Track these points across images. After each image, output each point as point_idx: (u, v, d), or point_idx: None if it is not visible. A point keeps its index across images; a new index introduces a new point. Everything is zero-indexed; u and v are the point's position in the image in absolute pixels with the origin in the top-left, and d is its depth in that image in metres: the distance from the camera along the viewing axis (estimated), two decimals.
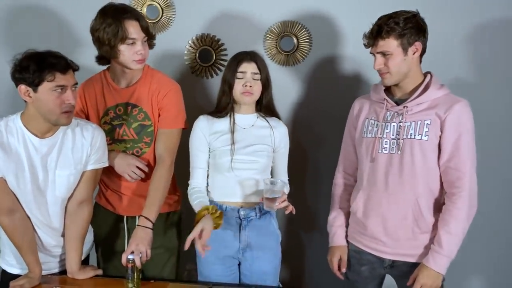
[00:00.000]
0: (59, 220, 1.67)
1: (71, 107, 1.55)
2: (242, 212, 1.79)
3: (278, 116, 1.89)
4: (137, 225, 1.71)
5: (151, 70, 1.88)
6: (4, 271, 1.73)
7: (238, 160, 1.77)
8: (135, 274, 1.61)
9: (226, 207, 1.79)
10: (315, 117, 2.36)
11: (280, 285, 1.89)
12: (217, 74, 2.37)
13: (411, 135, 1.62)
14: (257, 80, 1.78)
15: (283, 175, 1.87)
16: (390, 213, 1.66)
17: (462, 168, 1.57)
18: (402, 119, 1.64)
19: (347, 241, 1.82)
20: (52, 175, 1.61)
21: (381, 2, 2.21)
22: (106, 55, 1.75)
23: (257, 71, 1.77)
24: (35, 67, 1.47)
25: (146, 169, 1.80)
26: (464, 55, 2.21)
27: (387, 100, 1.69)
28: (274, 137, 1.82)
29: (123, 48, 1.71)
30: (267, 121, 1.84)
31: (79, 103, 1.84)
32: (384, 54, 1.62)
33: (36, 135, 1.58)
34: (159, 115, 1.82)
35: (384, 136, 1.67)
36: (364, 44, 1.68)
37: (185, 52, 2.36)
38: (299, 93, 2.36)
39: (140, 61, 1.75)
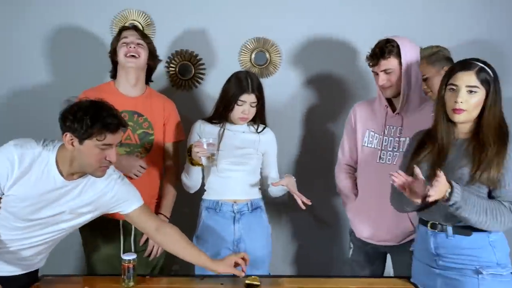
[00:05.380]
0: (34, 253, 1.64)
1: (109, 164, 1.57)
2: (235, 207, 1.99)
3: (265, 124, 2.10)
4: None
5: (152, 89, 2.17)
6: None
7: (229, 162, 1.98)
8: (134, 273, 1.69)
9: (221, 203, 2.00)
10: (292, 123, 2.59)
11: (270, 273, 2.05)
12: (196, 87, 2.56)
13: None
14: (254, 107, 1.99)
15: (274, 174, 2.09)
16: (379, 215, 1.87)
17: None
18: (399, 134, 1.89)
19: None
20: (60, 215, 1.59)
21: (343, 15, 2.52)
22: (111, 57, 2.08)
23: (255, 101, 1.97)
24: (89, 123, 1.45)
25: (146, 167, 2.00)
26: None
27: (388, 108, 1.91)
28: (262, 143, 2.04)
29: (119, 47, 2.02)
30: (256, 129, 2.06)
31: None
32: (386, 71, 1.85)
33: (62, 175, 1.55)
34: (164, 129, 2.08)
35: (383, 148, 1.92)
36: (369, 64, 1.92)
37: (165, 65, 2.53)
38: (274, 102, 2.52)
39: (131, 56, 2.00)
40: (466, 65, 1.55)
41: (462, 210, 1.46)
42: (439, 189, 1.42)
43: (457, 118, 1.54)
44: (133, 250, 2.01)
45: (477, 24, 2.52)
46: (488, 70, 1.54)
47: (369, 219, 1.93)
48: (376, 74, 1.90)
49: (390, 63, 1.84)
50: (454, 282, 1.57)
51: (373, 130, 1.95)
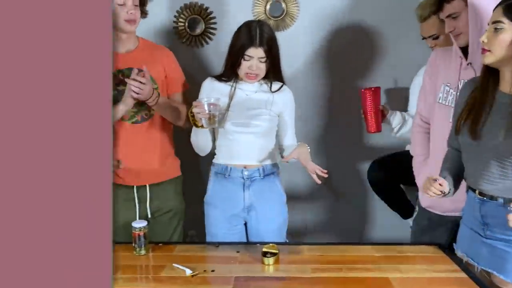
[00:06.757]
0: None
1: None
2: (245, 173, 1.86)
3: (283, 82, 1.90)
4: None
5: (145, 39, 1.98)
6: None
7: (237, 124, 1.83)
8: (146, 241, 1.64)
9: (230, 168, 1.87)
10: (312, 82, 2.40)
11: (287, 241, 1.95)
12: (207, 43, 2.39)
13: None
14: (263, 62, 1.79)
15: (290, 139, 1.92)
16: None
17: None
18: None
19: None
20: None
21: None
22: None
23: (264, 55, 1.78)
24: None
25: (143, 79, 1.78)
26: None
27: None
28: (276, 103, 1.86)
29: (114, 6, 1.79)
30: (270, 87, 1.88)
31: None
32: (452, 17, 1.62)
33: None
34: (166, 81, 1.95)
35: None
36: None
37: (174, 20, 2.36)
38: (292, 58, 2.36)
39: (131, 22, 1.81)
40: None
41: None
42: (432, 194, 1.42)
43: (483, 59, 1.35)
44: (149, 216, 1.94)
45: None
46: None
47: None
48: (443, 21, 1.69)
49: (455, 6, 1.61)
50: (501, 252, 1.41)
51: (448, 84, 1.69)
